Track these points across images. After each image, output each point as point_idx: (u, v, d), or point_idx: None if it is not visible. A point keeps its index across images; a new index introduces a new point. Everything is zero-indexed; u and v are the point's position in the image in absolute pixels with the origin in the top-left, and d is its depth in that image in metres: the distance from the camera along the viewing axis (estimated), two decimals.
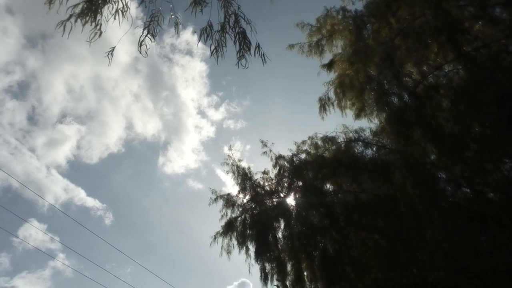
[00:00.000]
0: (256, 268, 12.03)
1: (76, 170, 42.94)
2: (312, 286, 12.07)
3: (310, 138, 12.15)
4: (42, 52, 43.06)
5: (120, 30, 4.85)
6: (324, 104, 10.56)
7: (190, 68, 50.18)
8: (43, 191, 38.92)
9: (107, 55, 4.59)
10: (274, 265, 12.25)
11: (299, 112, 45.49)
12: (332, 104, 10.50)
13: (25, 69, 39.78)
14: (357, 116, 10.27)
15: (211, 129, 50.49)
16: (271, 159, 12.40)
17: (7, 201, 34.15)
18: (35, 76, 43.35)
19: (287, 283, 12.13)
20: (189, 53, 48.99)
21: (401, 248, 8.99)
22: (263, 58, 4.65)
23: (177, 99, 54.44)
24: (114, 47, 4.65)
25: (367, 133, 10.36)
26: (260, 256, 12.22)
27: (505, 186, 6.71)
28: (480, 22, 7.22)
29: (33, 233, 36.15)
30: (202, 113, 54.92)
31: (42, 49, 42.97)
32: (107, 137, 49.32)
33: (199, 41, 4.66)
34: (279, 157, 12.25)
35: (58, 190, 41.79)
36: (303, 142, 12.37)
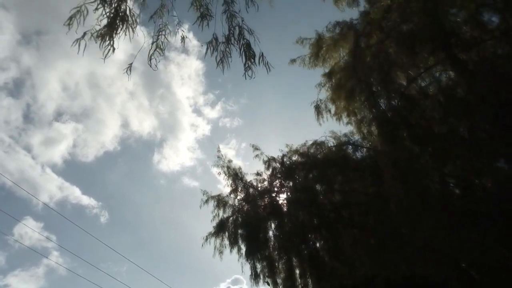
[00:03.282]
0: (248, 266, 12.22)
1: (71, 169, 41.94)
2: (303, 284, 12.41)
3: (302, 145, 12.43)
4: (36, 49, 41.45)
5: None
6: (321, 112, 10.91)
7: (186, 66, 49.67)
8: (38, 190, 37.62)
9: (126, 71, 4.76)
10: (265, 263, 12.46)
11: (295, 109, 46.21)
12: (329, 111, 10.86)
13: (20, 66, 38.11)
14: (347, 118, 10.64)
15: (207, 127, 50.53)
16: (263, 161, 12.61)
17: (1, 198, 32.80)
18: (30, 73, 41.81)
19: (278, 280, 12.38)
20: (185, 51, 48.54)
21: (391, 244, 9.41)
22: (267, 67, 4.85)
23: (172, 97, 53.88)
24: (131, 63, 4.83)
25: (357, 137, 10.80)
26: (251, 255, 12.40)
27: (495, 184, 7.19)
28: (469, 25, 7.63)
29: (29, 231, 35.13)
30: (198, 111, 54.72)
31: (37, 46, 41.38)
32: (102, 135, 48.31)
33: (206, 53, 4.82)
34: (271, 159, 12.48)
35: (53, 188, 40.53)
36: (293, 147, 12.65)
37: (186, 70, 50.87)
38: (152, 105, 50.85)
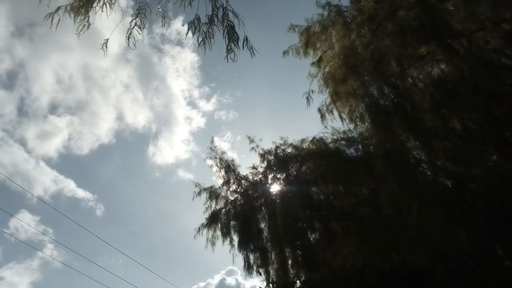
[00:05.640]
0: (241, 258, 12.31)
1: (66, 162, 41.63)
2: (295, 274, 12.53)
3: (302, 140, 12.39)
4: (30, 41, 40.59)
5: (110, 20, 4.83)
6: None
7: (181, 59, 49.15)
8: (32, 183, 37.26)
9: (102, 47, 4.64)
10: (258, 254, 12.54)
11: (291, 101, 46.47)
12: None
13: (13, 58, 37.30)
14: (340, 108, 10.62)
15: (202, 120, 50.50)
16: (259, 154, 12.61)
17: None
18: (23, 65, 41.10)
19: (271, 271, 12.49)
20: (180, 43, 48.00)
21: (381, 235, 9.51)
22: (251, 51, 4.75)
23: (167, 90, 53.52)
24: (108, 39, 4.72)
25: (354, 133, 10.84)
26: (243, 246, 12.46)
27: (484, 176, 7.25)
28: (461, 15, 7.58)
29: (24, 224, 34.79)
30: (192, 104, 54.57)
31: (30, 38, 40.51)
32: (97, 128, 47.96)
33: (187, 33, 4.71)
34: (266, 152, 12.49)
35: (48, 181, 40.14)
36: (288, 139, 12.64)
37: (181, 63, 50.45)
38: (147, 98, 50.60)
